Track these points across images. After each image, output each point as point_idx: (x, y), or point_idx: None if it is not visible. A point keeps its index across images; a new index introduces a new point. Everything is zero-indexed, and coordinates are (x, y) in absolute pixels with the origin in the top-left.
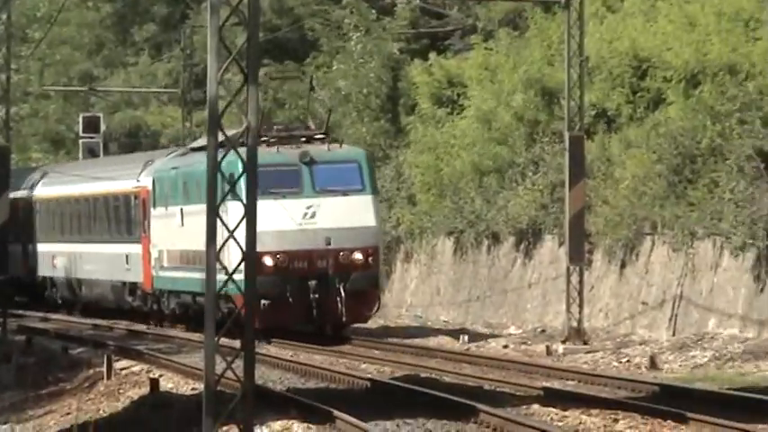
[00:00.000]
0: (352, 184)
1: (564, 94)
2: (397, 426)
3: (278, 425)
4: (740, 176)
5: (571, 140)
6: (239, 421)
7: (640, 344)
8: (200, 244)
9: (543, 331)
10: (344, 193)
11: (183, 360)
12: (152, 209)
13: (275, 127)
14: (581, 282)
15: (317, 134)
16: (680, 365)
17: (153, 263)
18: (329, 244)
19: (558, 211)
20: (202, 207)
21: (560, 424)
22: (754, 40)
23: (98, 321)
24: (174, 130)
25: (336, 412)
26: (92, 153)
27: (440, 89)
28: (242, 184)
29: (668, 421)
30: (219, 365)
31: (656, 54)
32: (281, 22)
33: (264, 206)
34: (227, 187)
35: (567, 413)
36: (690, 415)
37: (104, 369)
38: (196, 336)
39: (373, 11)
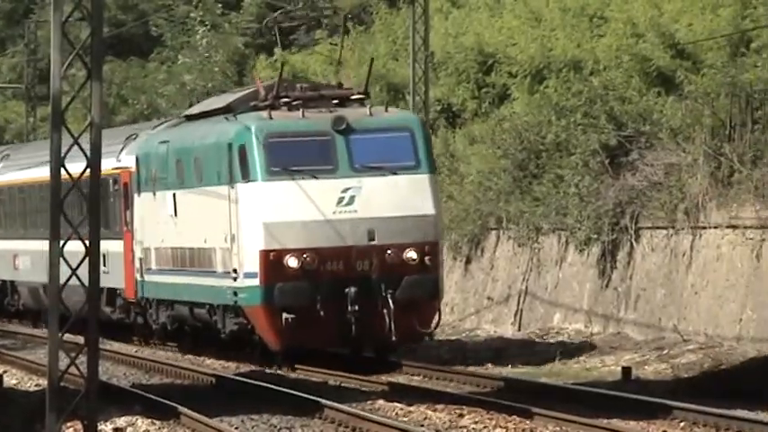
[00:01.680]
0: (403, 159)
1: (409, 89)
2: (242, 421)
3: (122, 420)
4: (585, 171)
5: None
6: (83, 417)
7: (486, 339)
8: (199, 240)
9: None
10: (393, 172)
11: (28, 356)
12: (136, 195)
13: (298, 85)
14: None
15: (353, 94)
16: (526, 360)
17: (137, 264)
18: (373, 239)
19: None
20: (202, 192)
21: (405, 419)
22: (598, 36)
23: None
24: (19, 126)
25: (181, 408)
26: None
27: None
28: (256, 158)
29: (513, 416)
30: (64, 361)
31: (502, 49)
32: (125, 18)
33: (286, 190)
34: (227, 168)
35: (411, 408)
36: (534, 410)
37: None
38: (41, 332)
39: (219, 5)
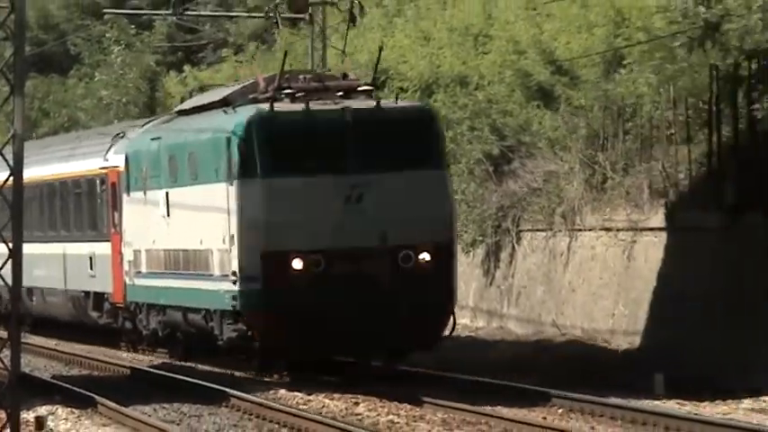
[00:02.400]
0: (416, 154)
1: None
2: (155, 410)
3: (43, 409)
4: (470, 178)
5: None
6: (7, 406)
7: None
8: (194, 241)
9: None
10: (405, 168)
11: None
12: (125, 195)
13: (301, 76)
14: None
15: (360, 85)
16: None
17: (126, 267)
18: (384, 240)
19: None
20: (197, 190)
21: (305, 407)
22: (483, 53)
23: None
24: None
25: (98, 397)
26: None
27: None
28: (257, 154)
29: (404, 404)
30: None
31: (394, 66)
32: (47, 37)
33: (290, 187)
34: (226, 164)
35: (311, 397)
36: (424, 398)
37: None
38: None
39: (132, 26)
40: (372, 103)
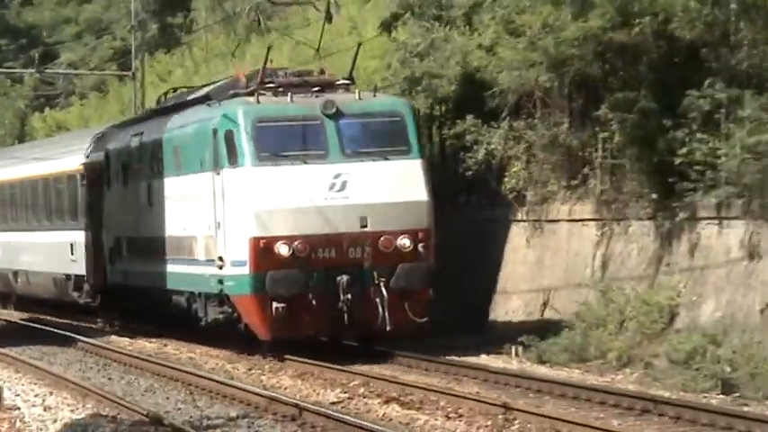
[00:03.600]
0: (394, 144)
1: None
2: (23, 350)
3: None
4: None
5: None
6: None
7: None
8: (177, 228)
9: None
10: (385, 157)
11: None
12: (105, 188)
13: (281, 72)
14: None
15: (338, 80)
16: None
17: (106, 252)
18: (365, 226)
19: None
20: (181, 180)
21: (130, 348)
22: None
23: None
24: None
25: None
26: None
27: (51, 132)
28: (244, 143)
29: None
30: None
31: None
32: None
33: (276, 175)
34: (212, 154)
35: (134, 340)
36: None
37: None
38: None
39: (8, 80)
40: (353, 96)
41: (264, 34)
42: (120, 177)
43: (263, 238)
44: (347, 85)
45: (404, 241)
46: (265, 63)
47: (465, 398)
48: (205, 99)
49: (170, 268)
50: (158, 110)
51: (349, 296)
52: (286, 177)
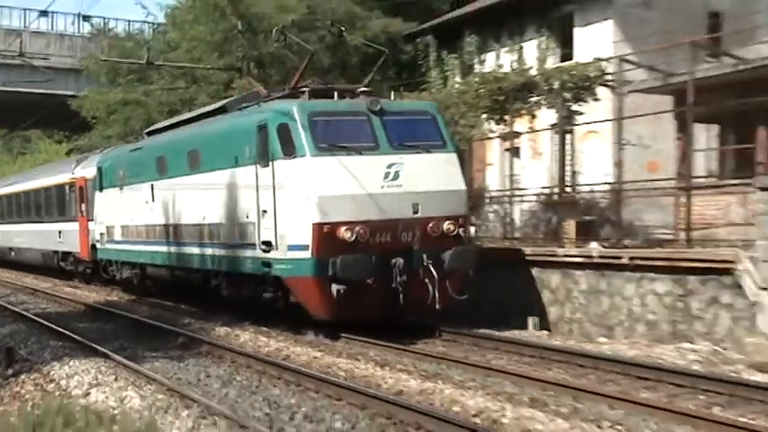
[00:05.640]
0: (433, 139)
1: None
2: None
3: None
4: None
5: None
6: None
7: None
8: (196, 217)
9: None
10: (427, 150)
11: None
12: (97, 192)
13: (308, 82)
14: None
15: (360, 88)
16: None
17: (98, 237)
18: (417, 212)
19: None
20: (201, 177)
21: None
22: None
23: None
24: None
25: None
26: None
27: None
28: (302, 135)
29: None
30: None
31: None
32: None
33: (335, 164)
34: (257, 148)
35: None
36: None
37: None
38: None
39: None
40: (387, 99)
41: None
42: (113, 183)
43: (326, 223)
44: (367, 92)
45: (449, 226)
46: (304, 69)
47: None
48: (221, 111)
49: (186, 250)
50: (148, 132)
51: (404, 278)
52: (344, 167)
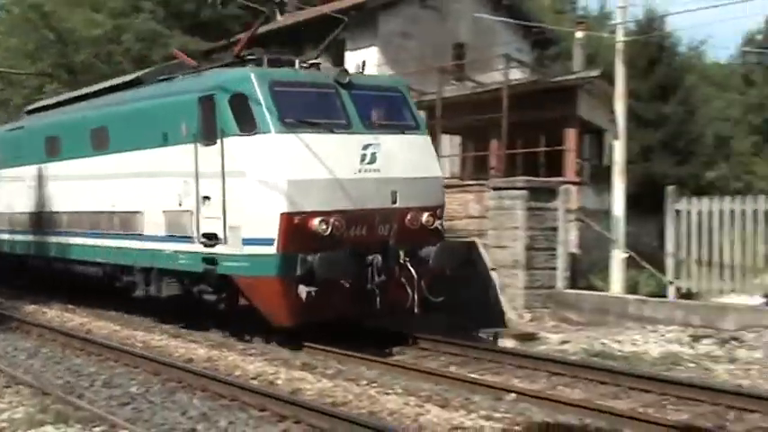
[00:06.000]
0: (405, 119)
1: None
2: None
3: None
4: None
5: None
6: None
7: None
8: (93, 204)
9: None
10: (401, 131)
11: None
12: None
13: (262, 51)
14: None
15: (314, 60)
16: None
17: None
18: (395, 201)
19: None
20: (104, 159)
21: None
22: None
23: None
24: None
25: None
26: None
27: None
28: (264, 108)
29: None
30: None
31: None
32: None
33: (304, 144)
34: (198, 123)
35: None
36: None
37: None
38: None
39: None
40: (354, 71)
41: None
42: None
43: (296, 213)
44: (318, 64)
45: (428, 218)
46: (254, 32)
47: None
48: (136, 83)
49: (87, 241)
50: (29, 110)
51: (383, 278)
52: (315, 147)
